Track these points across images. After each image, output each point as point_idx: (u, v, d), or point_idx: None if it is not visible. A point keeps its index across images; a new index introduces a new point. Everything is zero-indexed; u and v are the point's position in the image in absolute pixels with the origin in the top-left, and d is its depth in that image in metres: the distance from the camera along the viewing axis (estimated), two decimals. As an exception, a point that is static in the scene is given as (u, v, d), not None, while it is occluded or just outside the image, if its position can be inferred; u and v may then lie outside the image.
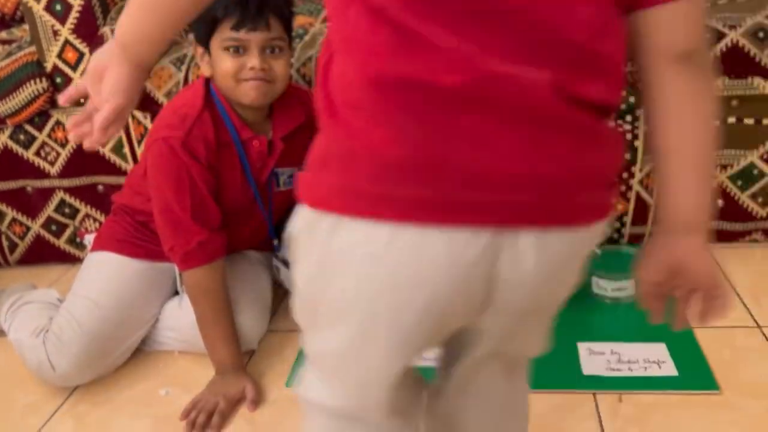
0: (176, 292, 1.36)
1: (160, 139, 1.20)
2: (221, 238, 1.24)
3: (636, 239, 1.53)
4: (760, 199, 1.47)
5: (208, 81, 1.26)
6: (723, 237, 1.51)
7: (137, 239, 1.32)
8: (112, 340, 1.25)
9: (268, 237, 1.41)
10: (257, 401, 1.17)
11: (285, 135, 1.30)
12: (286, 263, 1.39)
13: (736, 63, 1.37)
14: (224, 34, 1.17)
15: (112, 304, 1.26)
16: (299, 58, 1.51)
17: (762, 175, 1.45)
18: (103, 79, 0.66)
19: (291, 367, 1.25)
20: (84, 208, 1.65)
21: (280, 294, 1.51)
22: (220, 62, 1.19)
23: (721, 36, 1.36)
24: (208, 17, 1.16)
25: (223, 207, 1.25)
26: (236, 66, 1.18)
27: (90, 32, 1.50)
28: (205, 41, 1.21)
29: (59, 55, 1.52)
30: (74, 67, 1.52)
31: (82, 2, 1.49)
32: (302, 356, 0.68)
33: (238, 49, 1.18)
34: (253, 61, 1.18)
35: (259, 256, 1.45)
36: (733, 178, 1.46)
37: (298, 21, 1.74)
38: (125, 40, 0.66)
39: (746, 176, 1.45)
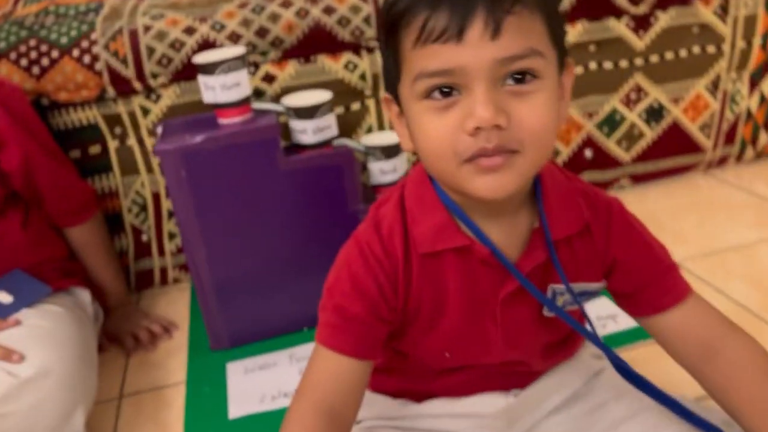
0: None
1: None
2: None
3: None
4: (624, 144, 1.46)
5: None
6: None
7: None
8: None
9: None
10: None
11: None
12: None
13: (591, 5, 1.34)
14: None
15: None
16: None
17: (623, 119, 1.44)
18: None
19: None
20: None
21: None
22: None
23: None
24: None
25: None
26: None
27: None
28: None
29: None
30: None
31: None
32: None
33: None
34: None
35: None
36: (599, 126, 1.43)
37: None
38: None
39: (610, 122, 1.44)
